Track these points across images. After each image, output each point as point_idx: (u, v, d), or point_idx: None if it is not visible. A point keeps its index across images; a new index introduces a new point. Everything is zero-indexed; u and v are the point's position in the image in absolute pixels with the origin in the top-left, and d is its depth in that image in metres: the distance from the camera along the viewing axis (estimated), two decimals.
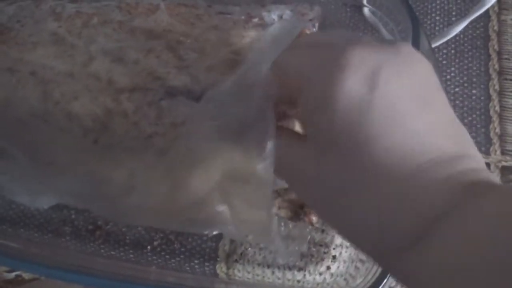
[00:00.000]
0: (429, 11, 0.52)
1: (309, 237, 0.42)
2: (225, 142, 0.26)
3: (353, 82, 0.21)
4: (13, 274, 0.45)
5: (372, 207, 0.22)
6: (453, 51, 0.51)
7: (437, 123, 0.22)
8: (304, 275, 0.43)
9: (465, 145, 0.23)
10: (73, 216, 0.44)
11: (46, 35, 0.29)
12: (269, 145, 0.24)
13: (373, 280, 0.36)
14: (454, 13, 0.52)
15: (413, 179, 0.21)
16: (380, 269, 0.36)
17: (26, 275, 0.45)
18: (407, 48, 0.24)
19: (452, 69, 0.50)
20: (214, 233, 0.34)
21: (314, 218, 0.36)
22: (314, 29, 0.36)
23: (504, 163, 0.47)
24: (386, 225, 0.22)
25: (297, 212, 0.36)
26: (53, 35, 0.29)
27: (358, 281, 0.38)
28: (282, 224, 0.40)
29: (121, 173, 0.28)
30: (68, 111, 0.28)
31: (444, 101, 0.24)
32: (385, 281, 0.35)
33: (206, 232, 0.33)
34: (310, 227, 0.37)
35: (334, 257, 0.43)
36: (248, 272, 0.43)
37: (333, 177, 0.23)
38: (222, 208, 0.28)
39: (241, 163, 0.26)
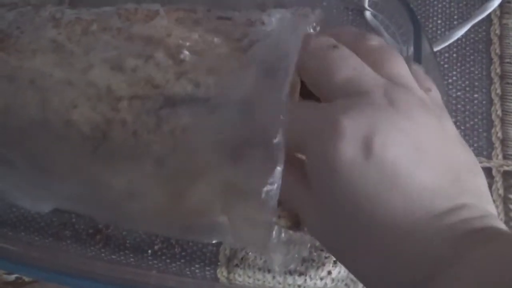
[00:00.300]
0: (430, 15, 0.52)
1: (309, 245, 0.42)
2: (229, 156, 0.27)
3: (348, 151, 0.23)
4: (13, 276, 0.45)
5: (372, 264, 0.23)
6: (455, 55, 0.51)
7: (434, 178, 0.23)
8: (305, 279, 0.43)
9: (463, 192, 0.24)
10: (73, 220, 0.44)
11: (45, 42, 0.29)
12: (277, 170, 0.24)
13: None
14: (456, 16, 0.52)
15: (411, 236, 0.22)
16: None
17: (26, 277, 0.45)
18: (408, 104, 0.24)
19: (454, 73, 0.50)
20: (214, 241, 0.34)
21: None
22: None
23: (506, 168, 0.46)
24: (388, 282, 0.23)
25: (297, 221, 0.35)
26: (52, 42, 0.29)
27: (360, 286, 0.38)
28: (283, 231, 0.40)
29: (120, 181, 0.28)
30: (67, 119, 0.28)
31: (447, 146, 0.24)
32: None
33: (205, 241, 0.33)
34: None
35: (335, 262, 0.43)
36: (249, 277, 0.43)
37: (333, 233, 0.25)
38: (222, 219, 0.28)
39: (244, 179, 0.26)
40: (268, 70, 0.26)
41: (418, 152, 0.23)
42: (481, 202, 0.24)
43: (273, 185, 0.24)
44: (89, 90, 0.28)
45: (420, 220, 0.22)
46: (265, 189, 0.24)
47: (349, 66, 0.26)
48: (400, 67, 0.27)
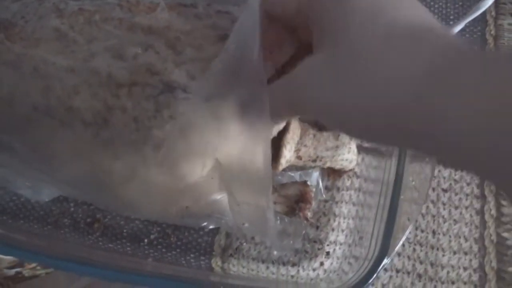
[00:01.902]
0: None
1: (303, 232, 0.43)
2: (222, 122, 0.28)
3: None
4: (13, 271, 0.45)
5: (383, 67, 0.23)
6: None
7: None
8: (298, 270, 0.43)
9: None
10: (72, 209, 0.44)
11: (49, 31, 0.30)
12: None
13: (364, 273, 0.37)
14: (452, 17, 0.53)
15: (420, 38, 0.23)
16: (371, 264, 0.37)
17: (26, 272, 0.46)
18: None
19: None
20: (211, 227, 0.35)
21: (308, 214, 0.37)
22: None
23: None
24: (398, 77, 0.23)
25: (293, 207, 0.36)
26: (56, 31, 0.30)
27: (350, 275, 0.39)
28: (278, 218, 0.40)
29: (121, 165, 0.29)
30: (69, 105, 0.29)
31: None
32: (375, 275, 0.36)
33: (203, 225, 0.34)
34: (304, 222, 0.37)
35: (327, 253, 0.44)
36: (243, 267, 0.43)
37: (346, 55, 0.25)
38: (220, 196, 0.29)
39: (239, 148, 0.27)
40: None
41: None
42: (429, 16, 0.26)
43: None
44: (90, 78, 0.28)
45: (424, 31, 0.23)
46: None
47: None
48: None
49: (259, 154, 0.28)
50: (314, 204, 0.40)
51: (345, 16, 0.25)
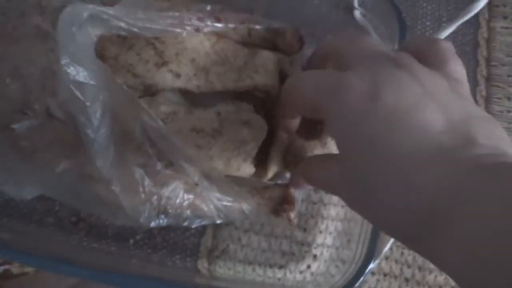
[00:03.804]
0: (419, 16, 0.53)
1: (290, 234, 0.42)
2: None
3: (356, 101, 0.25)
4: (1, 268, 0.45)
5: (392, 204, 0.24)
6: None
7: (440, 117, 0.24)
8: (285, 273, 0.43)
9: (471, 133, 0.24)
10: (56, 208, 0.44)
11: (29, 29, 0.29)
12: None
13: (350, 277, 0.36)
14: (444, 19, 0.52)
15: (421, 170, 0.23)
16: (358, 267, 0.36)
17: (15, 270, 0.45)
18: (414, 68, 0.26)
19: None
20: (193, 226, 0.34)
21: (292, 215, 0.36)
22: None
23: None
24: (406, 219, 0.24)
25: (276, 209, 0.36)
26: (36, 28, 0.29)
27: (337, 278, 0.39)
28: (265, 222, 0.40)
29: (99, 168, 0.29)
30: (49, 105, 0.28)
31: (454, 100, 0.26)
32: (361, 278, 0.36)
33: (184, 224, 0.33)
34: (289, 224, 0.37)
35: (315, 256, 0.43)
36: (229, 269, 0.43)
37: (357, 186, 0.26)
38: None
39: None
40: None
41: (424, 96, 0.25)
42: (499, 144, 0.24)
43: None
44: None
45: (431, 153, 0.23)
46: None
47: (364, 41, 0.29)
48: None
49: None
50: (298, 205, 0.40)
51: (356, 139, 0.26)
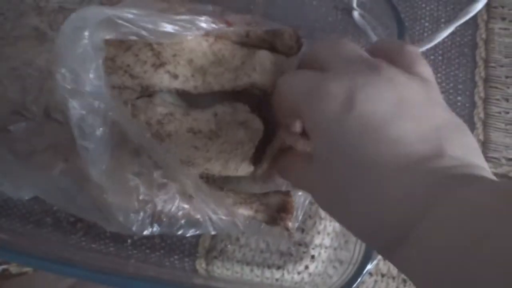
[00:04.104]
0: (418, 17, 0.53)
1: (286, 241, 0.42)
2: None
3: (332, 108, 0.26)
4: (0, 268, 0.45)
5: (363, 212, 0.25)
6: (440, 58, 0.51)
7: (414, 127, 0.25)
8: (283, 273, 0.43)
9: (443, 144, 0.25)
10: (55, 208, 0.44)
11: (27, 30, 0.29)
12: None
13: (348, 278, 0.36)
14: (443, 20, 0.52)
15: (394, 179, 0.23)
16: (355, 268, 0.36)
17: (13, 269, 0.45)
18: (390, 72, 0.27)
19: (439, 75, 0.51)
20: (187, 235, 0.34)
21: (290, 224, 0.36)
22: None
23: None
24: (376, 228, 0.24)
25: (274, 216, 0.36)
26: (34, 29, 0.29)
27: (335, 279, 0.39)
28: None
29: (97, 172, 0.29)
30: (46, 107, 0.28)
31: (429, 106, 0.26)
32: (359, 279, 0.36)
33: (178, 233, 0.33)
34: (285, 232, 0.37)
35: (312, 257, 0.44)
36: (227, 269, 0.43)
37: (331, 190, 0.27)
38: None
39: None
40: None
41: (398, 106, 0.25)
42: (467, 154, 0.25)
43: None
44: None
45: (400, 164, 0.24)
46: None
47: (345, 46, 0.30)
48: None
49: None
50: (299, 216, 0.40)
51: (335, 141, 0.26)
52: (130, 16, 0.27)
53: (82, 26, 0.26)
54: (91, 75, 0.26)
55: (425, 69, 0.29)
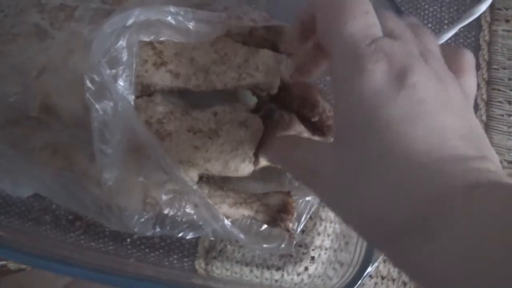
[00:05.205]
0: (421, 18, 0.52)
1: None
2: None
3: (381, 77, 0.23)
4: None
5: (382, 189, 0.23)
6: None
7: (457, 126, 0.24)
8: (282, 274, 0.43)
9: (484, 149, 0.24)
10: (54, 206, 0.44)
11: (28, 27, 0.29)
12: None
13: (348, 280, 0.36)
14: (446, 21, 0.52)
15: (426, 171, 0.22)
16: (356, 270, 0.36)
17: (12, 266, 0.45)
18: (439, 67, 0.25)
19: None
20: (187, 237, 0.34)
21: (290, 225, 0.36)
22: None
23: None
24: (392, 209, 0.23)
25: (274, 217, 0.36)
26: (35, 27, 0.29)
27: (334, 281, 0.38)
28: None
29: (95, 166, 0.28)
30: (46, 105, 0.28)
31: (468, 112, 0.25)
32: (360, 281, 0.36)
33: (179, 235, 0.33)
34: (286, 234, 0.37)
35: (312, 258, 0.43)
36: (227, 269, 0.43)
37: (350, 161, 0.24)
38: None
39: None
40: None
41: (445, 102, 0.24)
42: (498, 162, 0.24)
43: None
44: (68, 76, 0.28)
45: (441, 158, 0.22)
46: None
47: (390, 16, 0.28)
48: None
49: None
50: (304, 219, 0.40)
51: (366, 125, 0.24)
52: (169, 17, 0.27)
53: (122, 29, 0.26)
54: (121, 82, 0.26)
55: (473, 83, 0.27)
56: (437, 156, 0.22)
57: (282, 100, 0.35)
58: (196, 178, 0.32)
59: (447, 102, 0.24)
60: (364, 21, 0.25)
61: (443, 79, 0.25)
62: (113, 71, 0.25)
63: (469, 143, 0.23)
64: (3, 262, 0.45)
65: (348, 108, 0.24)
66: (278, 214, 0.35)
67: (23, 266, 0.46)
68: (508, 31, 0.52)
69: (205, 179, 0.33)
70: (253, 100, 0.35)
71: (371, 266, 0.36)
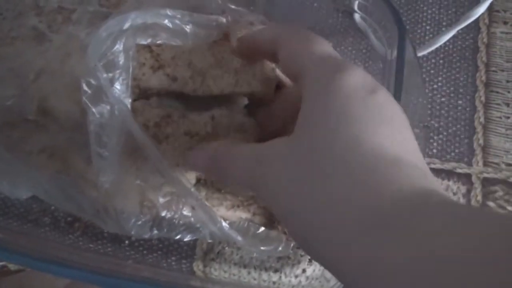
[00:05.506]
0: (419, 20, 0.52)
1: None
2: None
3: (356, 80, 0.25)
4: None
5: (337, 199, 0.23)
6: (441, 61, 0.51)
7: (397, 138, 0.25)
8: (280, 276, 0.43)
9: (418, 158, 0.25)
10: (53, 208, 0.44)
11: (26, 30, 0.29)
12: None
13: None
14: (444, 23, 0.52)
15: (393, 167, 0.23)
16: None
17: (12, 266, 0.45)
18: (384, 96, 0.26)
19: (440, 78, 0.50)
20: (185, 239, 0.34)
21: None
22: None
23: (485, 175, 0.47)
24: (339, 213, 0.22)
25: (272, 219, 0.36)
26: (33, 30, 0.29)
27: (332, 283, 0.38)
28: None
29: (94, 171, 0.29)
30: (43, 108, 0.28)
31: (406, 131, 0.26)
32: None
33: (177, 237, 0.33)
34: (283, 236, 0.37)
35: (310, 260, 0.43)
36: (225, 271, 0.43)
37: (306, 173, 0.24)
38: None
39: None
40: None
41: (387, 119, 0.25)
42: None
43: None
44: (65, 79, 0.28)
45: (400, 161, 0.23)
46: None
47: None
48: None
49: None
50: None
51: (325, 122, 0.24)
52: (166, 21, 0.27)
53: (118, 32, 0.26)
54: (117, 86, 0.26)
55: None
56: (395, 156, 0.23)
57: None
58: (193, 181, 0.32)
59: (389, 119, 0.26)
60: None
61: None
62: (110, 74, 0.25)
63: (407, 152, 0.24)
64: (3, 263, 0.45)
65: (317, 102, 0.25)
66: (275, 216, 0.36)
67: (23, 267, 0.46)
68: (507, 33, 0.52)
69: (202, 182, 0.34)
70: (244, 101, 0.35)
71: None
